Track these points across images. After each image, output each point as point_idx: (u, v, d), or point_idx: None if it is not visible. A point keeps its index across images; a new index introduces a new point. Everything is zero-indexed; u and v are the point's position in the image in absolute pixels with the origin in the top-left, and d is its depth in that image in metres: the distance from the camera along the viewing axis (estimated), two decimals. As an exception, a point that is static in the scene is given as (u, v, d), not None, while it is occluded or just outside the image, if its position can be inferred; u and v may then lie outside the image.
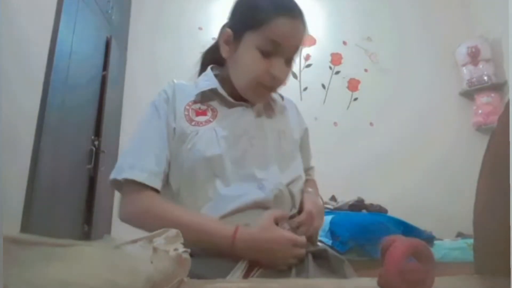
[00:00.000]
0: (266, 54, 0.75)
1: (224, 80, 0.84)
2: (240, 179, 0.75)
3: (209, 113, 0.81)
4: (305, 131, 0.98)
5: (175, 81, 0.86)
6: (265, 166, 0.77)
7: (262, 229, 0.67)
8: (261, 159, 0.78)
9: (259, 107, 0.86)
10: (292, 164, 0.83)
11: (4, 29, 1.44)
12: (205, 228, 0.68)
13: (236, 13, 0.82)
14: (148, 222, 0.71)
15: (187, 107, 0.81)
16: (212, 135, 0.77)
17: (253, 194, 0.73)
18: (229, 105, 0.83)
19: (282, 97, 0.93)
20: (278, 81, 0.78)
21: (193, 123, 0.78)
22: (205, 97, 0.83)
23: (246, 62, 0.77)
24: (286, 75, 0.80)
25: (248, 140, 0.79)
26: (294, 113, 0.95)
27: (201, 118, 0.80)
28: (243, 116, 0.82)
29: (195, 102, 0.82)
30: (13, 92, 1.52)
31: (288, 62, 0.79)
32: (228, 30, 0.81)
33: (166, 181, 0.78)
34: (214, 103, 0.83)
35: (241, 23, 0.79)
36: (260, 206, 0.73)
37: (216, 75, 0.86)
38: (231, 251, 0.65)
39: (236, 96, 0.83)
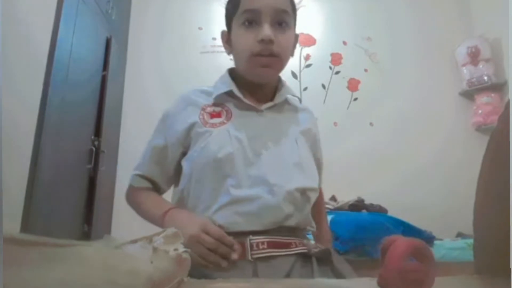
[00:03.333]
0: (249, 26, 0.79)
1: (239, 80, 0.86)
2: (251, 182, 0.74)
3: (224, 115, 0.82)
4: (317, 162, 0.94)
5: (187, 90, 0.89)
6: (279, 171, 0.76)
7: (192, 213, 0.74)
8: (275, 163, 0.76)
9: (276, 110, 0.86)
10: (308, 171, 0.81)
11: (5, 29, 1.44)
12: (149, 213, 0.81)
13: (225, 14, 0.87)
14: (134, 209, 0.86)
15: (202, 111, 0.83)
16: (226, 136, 0.77)
17: (264, 199, 0.72)
18: (245, 107, 0.83)
19: (300, 100, 0.95)
20: (270, 44, 0.77)
21: (207, 125, 0.80)
22: (221, 99, 0.84)
23: (237, 41, 0.82)
24: (282, 41, 0.79)
25: (262, 142, 0.78)
26: (313, 133, 0.93)
27: (216, 120, 0.81)
28: (258, 119, 0.82)
29: (209, 105, 0.84)
30: (13, 93, 1.52)
31: (279, 27, 0.79)
32: (224, 30, 0.88)
33: (174, 183, 0.85)
34: (230, 105, 0.84)
35: (227, 17, 0.86)
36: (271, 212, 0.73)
37: (233, 78, 0.87)
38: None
39: (252, 98, 0.84)
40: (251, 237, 0.70)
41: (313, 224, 0.82)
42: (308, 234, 0.85)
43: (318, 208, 0.94)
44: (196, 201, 0.76)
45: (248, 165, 0.75)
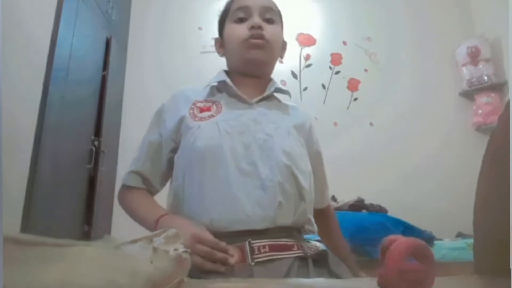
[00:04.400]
0: (240, 22, 0.86)
1: (232, 77, 0.88)
2: (242, 175, 0.73)
3: (213, 109, 0.83)
4: (317, 155, 0.94)
5: (181, 87, 0.91)
6: (270, 164, 0.74)
7: (185, 220, 0.70)
8: (265, 156, 0.75)
9: (267, 105, 0.87)
10: (301, 166, 0.79)
11: (5, 29, 1.44)
12: (141, 219, 0.79)
13: (218, 20, 0.95)
14: (126, 212, 0.86)
15: (192, 106, 0.84)
16: (214, 129, 0.77)
17: (256, 195, 0.71)
18: (236, 101, 0.85)
19: (290, 95, 0.95)
20: (260, 29, 0.83)
21: (196, 119, 0.81)
22: (213, 94, 0.87)
23: (229, 35, 0.88)
24: (270, 29, 0.85)
25: (252, 135, 0.77)
26: (307, 125, 0.93)
27: (205, 114, 0.82)
28: (248, 112, 0.82)
29: (201, 101, 0.85)
30: (13, 93, 1.52)
31: (267, 22, 0.86)
32: (217, 37, 0.95)
33: (166, 181, 0.84)
34: (221, 99, 0.85)
35: (220, 23, 0.93)
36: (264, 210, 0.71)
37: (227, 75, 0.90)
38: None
39: (244, 94, 0.85)
40: (251, 240, 0.68)
41: (312, 223, 0.81)
42: (307, 235, 0.84)
43: (330, 226, 0.96)
44: (189, 198, 0.74)
45: (237, 158, 0.74)
